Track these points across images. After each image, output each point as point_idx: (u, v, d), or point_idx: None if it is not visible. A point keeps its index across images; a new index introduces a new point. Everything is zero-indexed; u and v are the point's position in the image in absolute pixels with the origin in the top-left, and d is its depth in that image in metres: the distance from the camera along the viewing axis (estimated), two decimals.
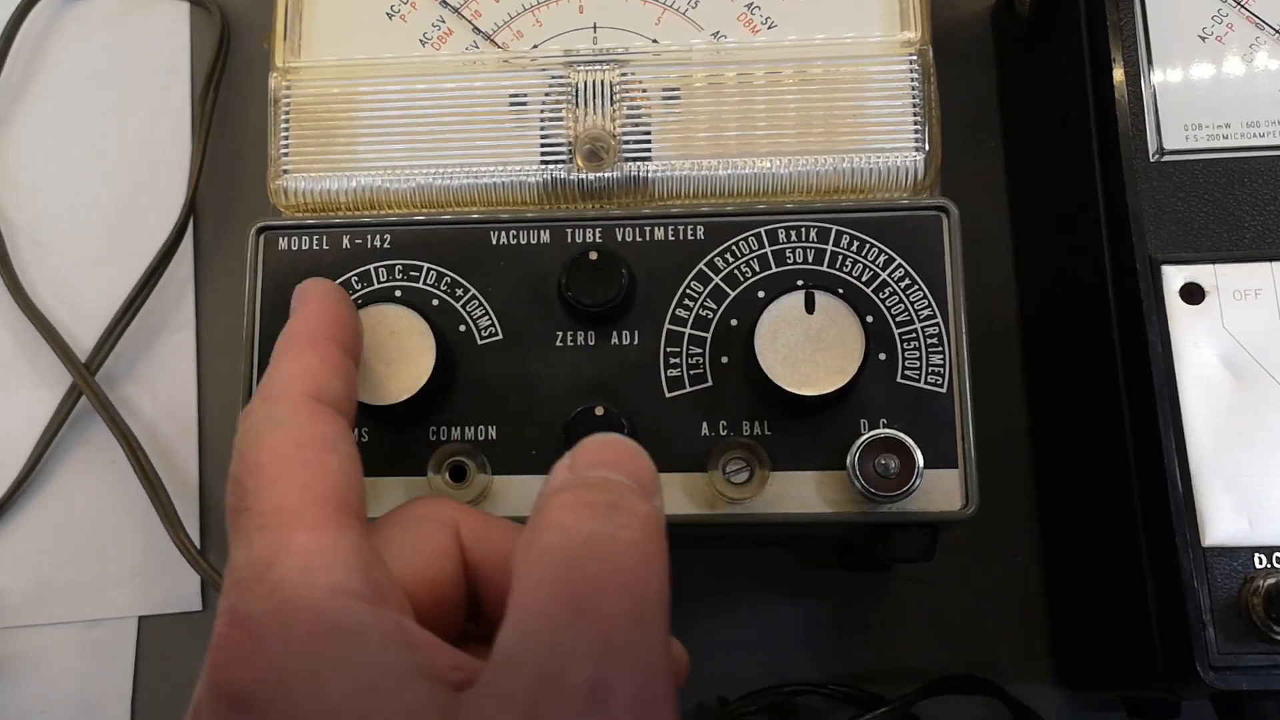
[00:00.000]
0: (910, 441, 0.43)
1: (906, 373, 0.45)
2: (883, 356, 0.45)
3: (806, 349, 0.43)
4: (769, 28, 0.49)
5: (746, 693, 0.55)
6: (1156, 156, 0.49)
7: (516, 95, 0.48)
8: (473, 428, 0.46)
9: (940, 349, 0.45)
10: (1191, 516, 0.45)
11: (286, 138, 0.48)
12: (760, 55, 0.48)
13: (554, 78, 0.48)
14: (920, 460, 0.43)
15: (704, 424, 0.45)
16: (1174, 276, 0.47)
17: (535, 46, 0.49)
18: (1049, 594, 0.58)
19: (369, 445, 0.46)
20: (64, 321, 0.62)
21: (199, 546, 0.58)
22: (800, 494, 0.44)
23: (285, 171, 0.48)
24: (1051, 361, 0.58)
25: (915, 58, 0.47)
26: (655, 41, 0.49)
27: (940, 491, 0.44)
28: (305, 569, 0.32)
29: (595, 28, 0.49)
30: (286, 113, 0.48)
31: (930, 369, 0.45)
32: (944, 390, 0.45)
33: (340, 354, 0.38)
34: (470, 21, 0.49)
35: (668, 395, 0.45)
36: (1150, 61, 0.50)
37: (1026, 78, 0.61)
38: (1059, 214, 0.56)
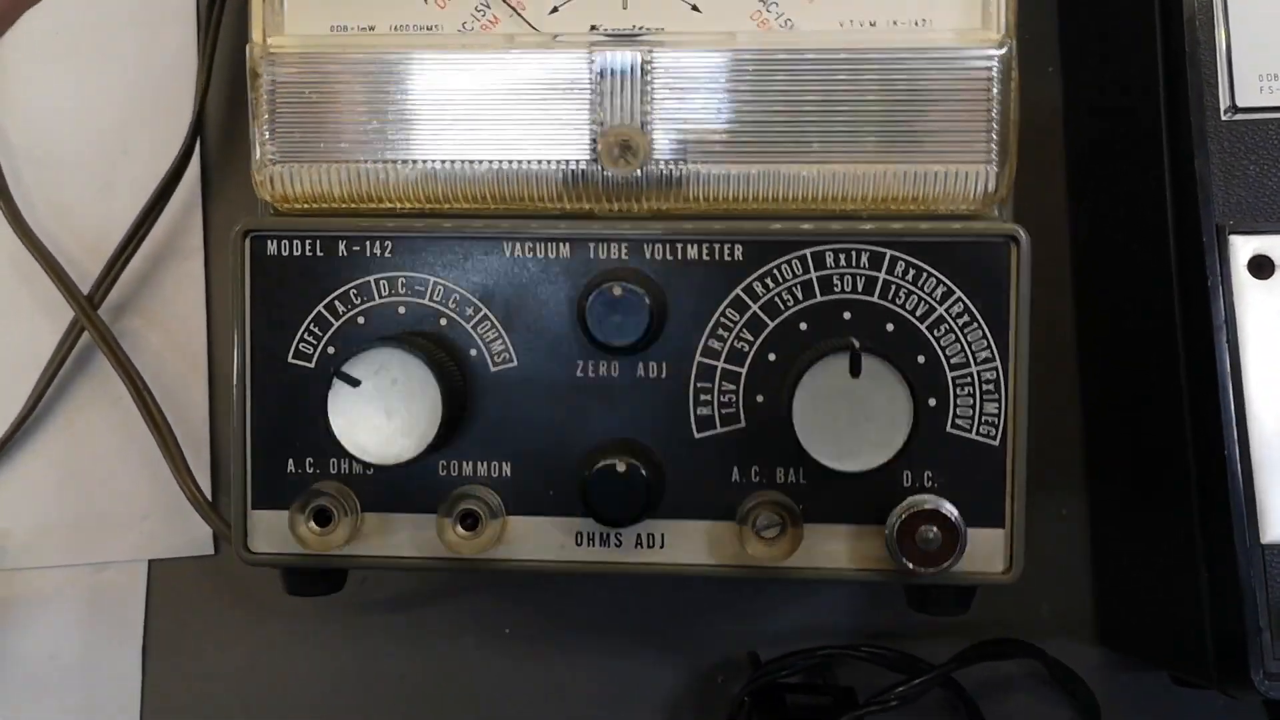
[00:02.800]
0: (956, 515, 0.40)
1: (958, 422, 0.42)
2: (933, 402, 0.42)
3: (848, 418, 0.40)
4: None
5: (783, 654, 0.55)
6: (1229, 114, 0.44)
7: (535, 82, 0.42)
8: (485, 463, 0.43)
9: (996, 396, 0.42)
10: (1251, 511, 0.43)
11: (271, 123, 0.43)
12: (813, 41, 0.42)
13: (578, 63, 0.42)
14: (964, 536, 0.40)
15: (735, 469, 0.43)
16: (1242, 247, 0.44)
17: (556, 9, 0.43)
18: (1095, 552, 0.56)
19: (376, 480, 0.43)
20: (66, 248, 0.59)
21: (209, 494, 0.57)
22: (833, 550, 0.42)
23: (272, 161, 0.43)
24: (1108, 329, 0.54)
25: (996, 57, 0.41)
26: (696, 9, 0.42)
27: (981, 552, 0.42)
28: None
29: None
30: (270, 93, 0.43)
31: (984, 418, 0.42)
32: (996, 443, 0.42)
33: None
34: None
35: (697, 435, 0.43)
36: (1225, 4, 0.44)
37: (1090, 13, 0.54)
38: (1121, 176, 0.51)
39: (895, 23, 0.42)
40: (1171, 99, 0.46)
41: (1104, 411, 0.55)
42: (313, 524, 0.43)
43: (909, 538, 0.41)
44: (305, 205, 0.44)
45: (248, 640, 0.57)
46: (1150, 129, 0.47)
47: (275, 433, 0.44)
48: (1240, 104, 0.44)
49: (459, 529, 0.42)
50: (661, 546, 0.43)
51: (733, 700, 0.54)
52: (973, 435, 0.42)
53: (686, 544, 0.43)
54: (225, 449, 0.58)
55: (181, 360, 0.58)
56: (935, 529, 0.41)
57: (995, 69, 0.41)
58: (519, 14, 0.43)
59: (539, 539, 0.43)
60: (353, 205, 0.43)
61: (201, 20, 0.58)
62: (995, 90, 0.41)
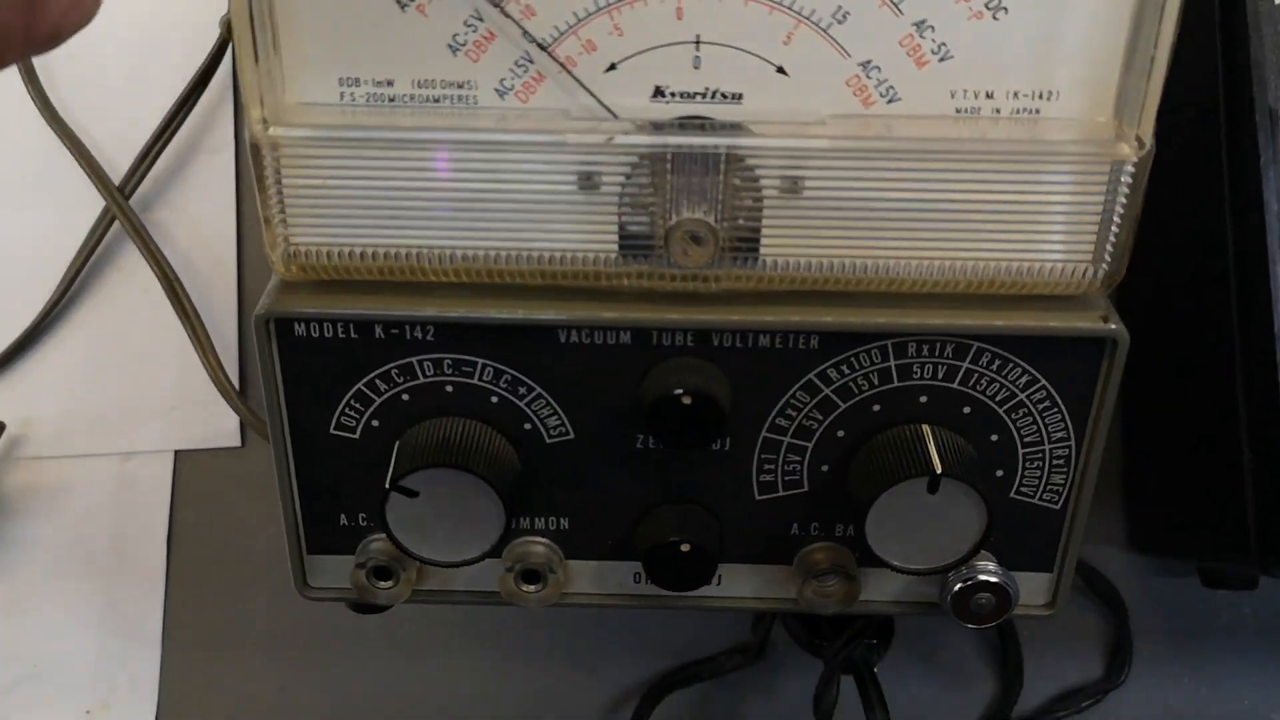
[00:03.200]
0: (1012, 586, 0.41)
1: (1022, 489, 0.41)
2: (1000, 473, 0.41)
3: (920, 526, 0.39)
4: (939, 59, 0.35)
5: None
6: None
7: (592, 169, 0.36)
8: (543, 519, 0.42)
9: (1065, 470, 0.41)
10: None
11: (280, 206, 0.36)
12: (912, 126, 0.35)
13: (635, 162, 0.35)
14: (1016, 600, 0.42)
15: (794, 525, 0.42)
16: None
17: (614, 67, 0.35)
18: (1125, 453, 0.57)
19: None
20: (96, 139, 0.56)
21: (238, 385, 0.56)
22: (885, 587, 0.44)
23: (286, 242, 0.37)
24: (1146, 209, 0.51)
25: (1128, 164, 0.35)
26: (782, 72, 0.35)
27: (1028, 591, 0.43)
28: None
29: (698, 43, 0.35)
30: (276, 176, 0.36)
31: (1049, 487, 0.41)
32: (1058, 508, 0.42)
33: None
34: (518, 22, 0.34)
35: (758, 497, 0.42)
36: None
37: None
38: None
39: (1014, 94, 0.35)
40: None
41: (1142, 298, 0.54)
42: (375, 580, 0.43)
43: (964, 603, 0.42)
44: (332, 273, 0.39)
45: (272, 530, 0.58)
46: (1204, 14, 0.46)
47: (324, 492, 0.42)
48: None
49: (523, 586, 0.43)
50: (718, 584, 0.44)
51: None
52: (1035, 501, 0.42)
53: (742, 583, 0.44)
54: (252, 345, 0.55)
55: (209, 255, 0.56)
56: (990, 595, 0.42)
57: (1124, 177, 0.35)
58: (569, 71, 0.35)
59: (597, 579, 0.44)
60: (386, 278, 0.38)
61: None
62: (1121, 199, 0.36)
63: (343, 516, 0.43)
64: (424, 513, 0.40)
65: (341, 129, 0.36)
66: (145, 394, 0.57)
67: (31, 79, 0.56)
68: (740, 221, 0.37)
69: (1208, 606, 0.57)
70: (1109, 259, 0.37)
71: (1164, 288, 0.52)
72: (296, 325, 0.39)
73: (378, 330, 0.39)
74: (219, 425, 0.57)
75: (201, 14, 0.55)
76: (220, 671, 0.59)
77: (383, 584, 0.43)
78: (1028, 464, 0.41)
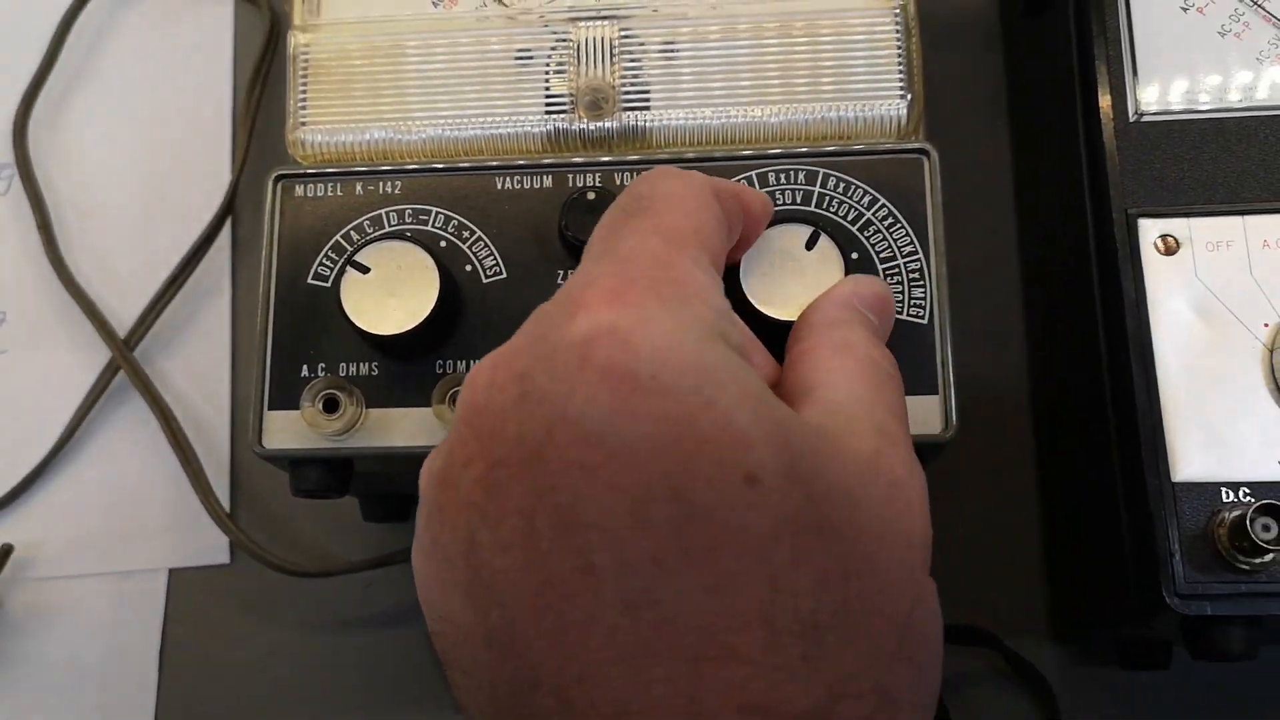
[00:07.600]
0: None
1: None
2: None
3: (790, 280, 0.46)
4: None
5: None
6: (1135, 117, 0.52)
7: (523, 51, 0.52)
8: (478, 360, 0.49)
9: (922, 282, 0.48)
10: (1162, 454, 0.48)
11: (304, 92, 0.52)
12: (751, 9, 0.52)
13: (558, 35, 0.52)
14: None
15: None
16: (1150, 229, 0.51)
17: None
18: (1047, 547, 0.60)
19: (378, 379, 0.49)
20: (101, 293, 0.68)
21: (228, 509, 0.63)
22: None
23: (302, 124, 0.52)
24: (1045, 318, 0.62)
25: (899, 12, 0.51)
26: None
27: (921, 416, 0.47)
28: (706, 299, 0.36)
29: None
30: (304, 68, 0.52)
31: (913, 301, 0.48)
32: (925, 322, 0.48)
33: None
34: None
35: None
36: (1131, 29, 0.53)
37: (1027, 53, 0.66)
38: (1050, 174, 0.60)
39: None
40: (1087, 106, 0.54)
41: (1049, 398, 0.61)
42: (320, 408, 0.48)
43: None
44: (329, 162, 0.52)
45: (260, 643, 0.61)
46: (1070, 132, 0.56)
47: (292, 342, 0.50)
48: (1145, 110, 0.53)
49: (451, 406, 0.48)
50: None
51: None
52: (904, 317, 0.48)
53: None
54: (243, 471, 0.64)
55: (206, 398, 0.66)
56: None
57: (899, 24, 0.51)
58: (510, 7, 0.53)
59: None
60: (369, 161, 0.52)
61: (241, 101, 0.69)
62: (900, 40, 0.51)
63: (305, 367, 0.49)
64: (371, 293, 0.47)
65: (353, 23, 0.53)
66: (143, 517, 0.63)
67: (49, 242, 0.68)
68: (630, 90, 0.51)
69: (1133, 691, 0.58)
70: (910, 94, 0.50)
71: (1064, 378, 0.60)
72: (298, 185, 0.51)
73: (358, 187, 0.51)
74: (209, 544, 0.62)
75: (201, 178, 0.69)
76: None
77: (331, 416, 0.47)
78: (888, 279, 0.48)
